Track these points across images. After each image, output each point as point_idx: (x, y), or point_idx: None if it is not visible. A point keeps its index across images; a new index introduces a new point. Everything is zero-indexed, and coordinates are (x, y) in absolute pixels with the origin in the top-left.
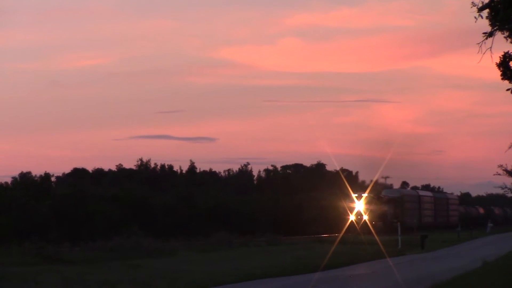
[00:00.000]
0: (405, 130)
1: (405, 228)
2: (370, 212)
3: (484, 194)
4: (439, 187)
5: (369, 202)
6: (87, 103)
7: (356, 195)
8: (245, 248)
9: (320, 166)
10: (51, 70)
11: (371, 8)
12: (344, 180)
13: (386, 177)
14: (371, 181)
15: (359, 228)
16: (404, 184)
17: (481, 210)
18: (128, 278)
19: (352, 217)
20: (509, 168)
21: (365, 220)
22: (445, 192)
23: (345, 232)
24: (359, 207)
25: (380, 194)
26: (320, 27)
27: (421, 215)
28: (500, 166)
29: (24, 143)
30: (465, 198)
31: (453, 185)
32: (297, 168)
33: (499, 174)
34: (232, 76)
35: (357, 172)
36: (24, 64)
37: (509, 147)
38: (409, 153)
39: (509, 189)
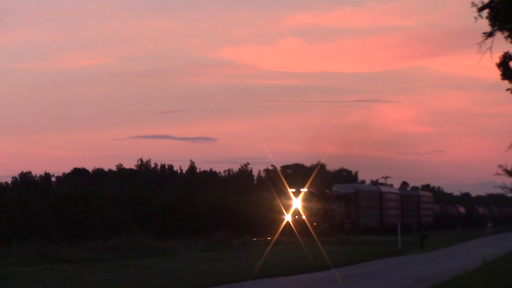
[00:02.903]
0: (405, 130)
1: (363, 230)
2: (309, 210)
3: (484, 194)
4: (439, 187)
5: (307, 198)
6: (87, 103)
7: (293, 190)
8: (245, 248)
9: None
10: (51, 70)
11: (371, 8)
12: (281, 176)
13: (386, 177)
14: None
15: (296, 229)
16: (404, 184)
17: (462, 209)
18: (128, 278)
19: (287, 217)
20: (509, 168)
21: (303, 220)
22: (417, 189)
23: (280, 234)
24: (296, 205)
25: (325, 189)
26: (320, 27)
27: (383, 215)
28: (500, 166)
29: (24, 143)
30: (465, 198)
31: (453, 185)
32: (297, 168)
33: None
34: (232, 76)
35: (356, 172)
36: (24, 64)
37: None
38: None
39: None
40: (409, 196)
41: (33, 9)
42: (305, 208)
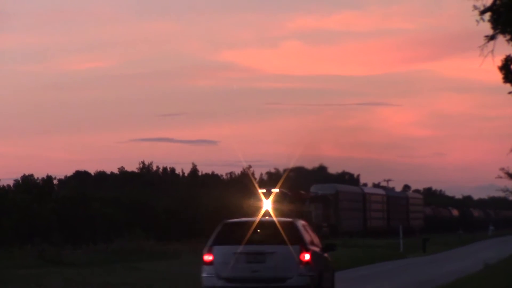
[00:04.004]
0: (407, 133)
1: (343, 233)
2: (281, 213)
3: (486, 197)
4: (440, 190)
5: (279, 200)
6: (89, 106)
7: (264, 191)
8: None
9: (322, 169)
10: (53, 72)
11: (373, 11)
12: (250, 176)
13: (388, 180)
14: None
15: None
16: (406, 187)
17: (455, 212)
18: (130, 280)
19: None
20: (510, 171)
21: None
22: (406, 191)
23: None
24: (267, 206)
25: (301, 190)
26: (322, 30)
27: (367, 218)
28: (502, 169)
29: (26, 146)
30: (466, 201)
31: (454, 188)
32: (299, 171)
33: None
34: (234, 79)
35: (358, 175)
36: (25, 66)
37: (511, 150)
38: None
39: (511, 192)
40: (397, 198)
41: (34, 12)
42: (276, 210)
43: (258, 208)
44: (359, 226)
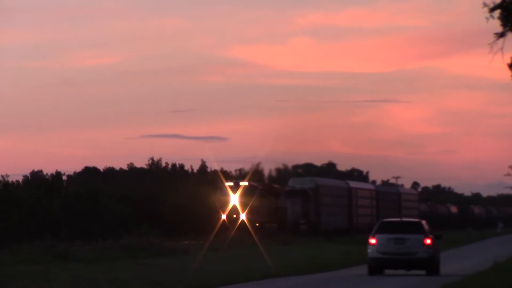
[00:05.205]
0: (417, 130)
1: (325, 231)
2: (250, 208)
3: (495, 195)
4: (449, 187)
5: (248, 194)
6: (98, 102)
7: (231, 184)
8: (256, 247)
9: (331, 166)
10: (62, 68)
11: (383, 7)
12: (220, 174)
13: (397, 177)
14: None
15: (233, 231)
16: (415, 184)
17: (454, 209)
18: (138, 276)
19: (224, 216)
20: None
21: (242, 220)
22: (396, 186)
23: (215, 236)
24: (234, 201)
25: (274, 183)
26: (331, 26)
27: (353, 214)
28: (511, 166)
29: (35, 142)
30: (475, 199)
31: (464, 186)
32: (308, 167)
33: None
34: (244, 75)
35: (367, 172)
36: (34, 62)
37: None
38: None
39: None
40: (387, 193)
41: (42, 8)
42: (244, 205)
43: (225, 203)
44: (344, 223)
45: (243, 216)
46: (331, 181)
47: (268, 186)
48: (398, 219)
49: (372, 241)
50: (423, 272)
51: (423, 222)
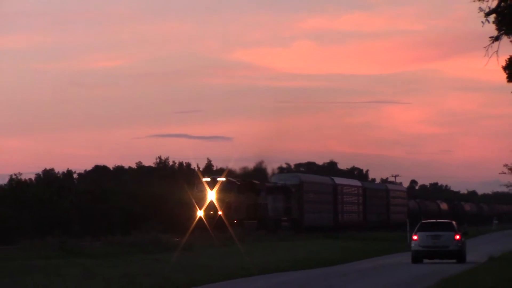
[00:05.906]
0: (415, 131)
1: (308, 228)
2: (228, 204)
3: (490, 192)
4: (446, 185)
5: (226, 189)
6: (108, 103)
7: (208, 180)
8: (258, 243)
9: (332, 164)
10: (72, 70)
11: (383, 12)
12: (199, 171)
13: (395, 176)
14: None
15: (211, 228)
16: (413, 182)
17: (444, 206)
18: (147, 271)
19: (200, 213)
20: None
21: (220, 217)
22: (384, 182)
23: (191, 233)
24: (211, 197)
25: (253, 179)
26: (333, 30)
27: (339, 211)
28: (506, 165)
29: (47, 142)
30: (471, 196)
31: (460, 184)
32: (310, 166)
33: (505, 173)
34: (247, 78)
35: (367, 171)
36: (46, 64)
37: None
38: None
39: None
40: (374, 190)
41: (54, 11)
42: (222, 201)
43: (201, 199)
44: (328, 221)
45: (220, 213)
46: (315, 177)
47: (247, 182)
48: (434, 220)
49: (415, 237)
50: (453, 260)
51: (453, 222)
